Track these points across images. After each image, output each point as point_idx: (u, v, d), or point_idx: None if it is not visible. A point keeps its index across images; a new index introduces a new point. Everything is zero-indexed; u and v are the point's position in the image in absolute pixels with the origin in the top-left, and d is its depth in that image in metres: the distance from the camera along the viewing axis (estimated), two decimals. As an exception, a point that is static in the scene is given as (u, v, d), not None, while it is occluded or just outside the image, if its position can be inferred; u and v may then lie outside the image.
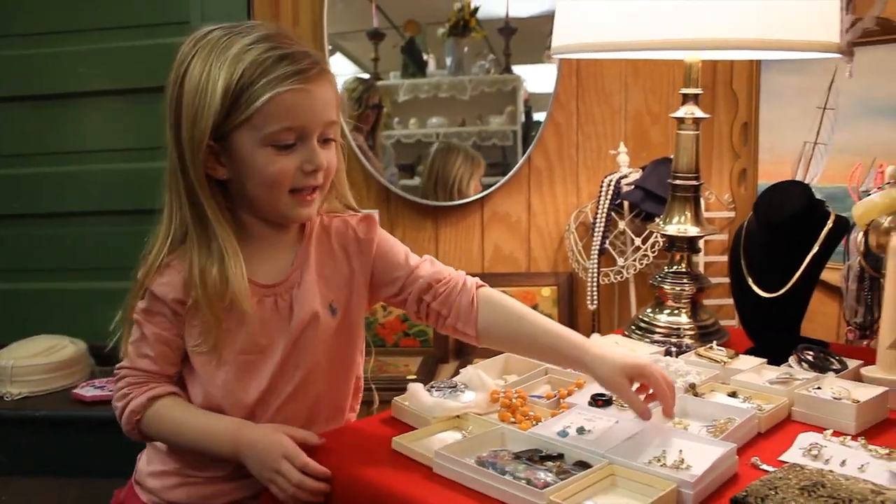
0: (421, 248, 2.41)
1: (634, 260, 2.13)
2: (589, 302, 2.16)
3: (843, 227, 1.54)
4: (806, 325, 2.09)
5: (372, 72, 2.44)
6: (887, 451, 1.12)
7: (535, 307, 2.39)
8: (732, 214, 2.26)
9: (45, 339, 2.37)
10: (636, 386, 1.17)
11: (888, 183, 1.41)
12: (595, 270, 2.13)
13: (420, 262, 1.33)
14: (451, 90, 2.42)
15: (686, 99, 1.64)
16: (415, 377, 2.18)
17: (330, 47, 2.41)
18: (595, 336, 1.66)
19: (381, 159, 2.45)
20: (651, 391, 1.18)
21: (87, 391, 2.23)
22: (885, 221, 1.39)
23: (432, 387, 1.33)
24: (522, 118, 2.40)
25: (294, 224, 1.29)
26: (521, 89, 2.40)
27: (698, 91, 1.64)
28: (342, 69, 2.47)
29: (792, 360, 1.47)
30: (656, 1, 1.43)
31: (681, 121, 1.65)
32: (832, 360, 1.45)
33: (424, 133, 2.45)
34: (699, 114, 1.64)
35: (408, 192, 2.44)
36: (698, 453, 1.07)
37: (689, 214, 1.69)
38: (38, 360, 2.27)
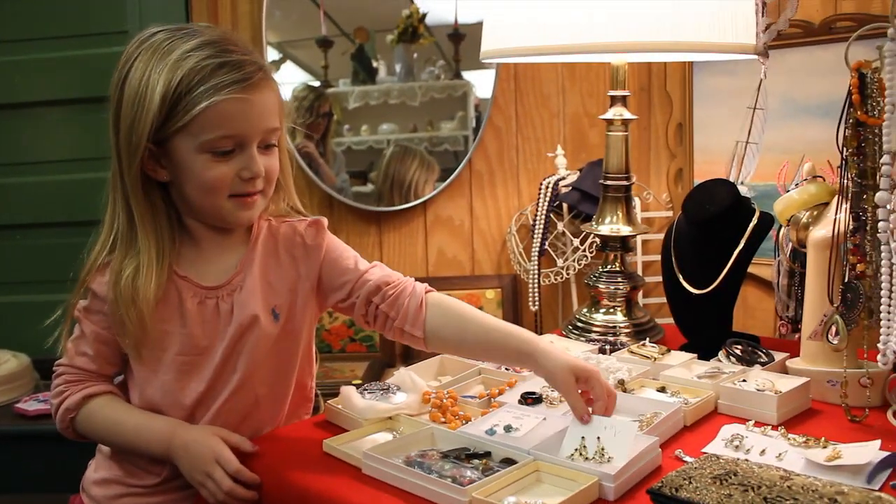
0: (365, 253, 2.36)
1: (574, 260, 2.15)
2: (531, 303, 2.18)
3: (768, 223, 1.58)
4: (745, 320, 2.15)
5: (322, 79, 2.44)
6: (804, 439, 1.15)
7: (480, 309, 2.41)
8: (670, 213, 2.30)
9: (-16, 353, 2.33)
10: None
11: (805, 179, 1.45)
12: (536, 272, 2.16)
13: (369, 267, 1.33)
14: (402, 96, 2.42)
15: (614, 101, 1.67)
16: (360, 382, 2.18)
17: (280, 55, 2.41)
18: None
19: (332, 166, 2.45)
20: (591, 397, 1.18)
21: (31, 405, 2.19)
22: (804, 216, 1.42)
23: (365, 389, 1.34)
24: (473, 123, 2.41)
25: (237, 227, 1.29)
26: (472, 94, 2.41)
27: (626, 93, 1.67)
28: (292, 77, 2.46)
29: (721, 354, 1.50)
30: (579, 6, 1.45)
31: (610, 122, 1.68)
32: (760, 353, 1.49)
33: (376, 140, 2.45)
34: (627, 115, 1.67)
35: (360, 199, 2.44)
36: (619, 443, 1.09)
37: (620, 214, 1.72)
38: (-21, 376, 2.24)
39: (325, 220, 1.35)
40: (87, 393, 1.27)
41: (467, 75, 2.42)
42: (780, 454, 1.11)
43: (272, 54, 2.41)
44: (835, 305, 1.27)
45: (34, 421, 2.13)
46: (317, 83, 2.45)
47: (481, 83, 2.40)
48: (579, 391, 1.15)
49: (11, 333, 2.44)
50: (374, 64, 2.44)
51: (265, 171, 1.22)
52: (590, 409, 1.14)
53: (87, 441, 1.31)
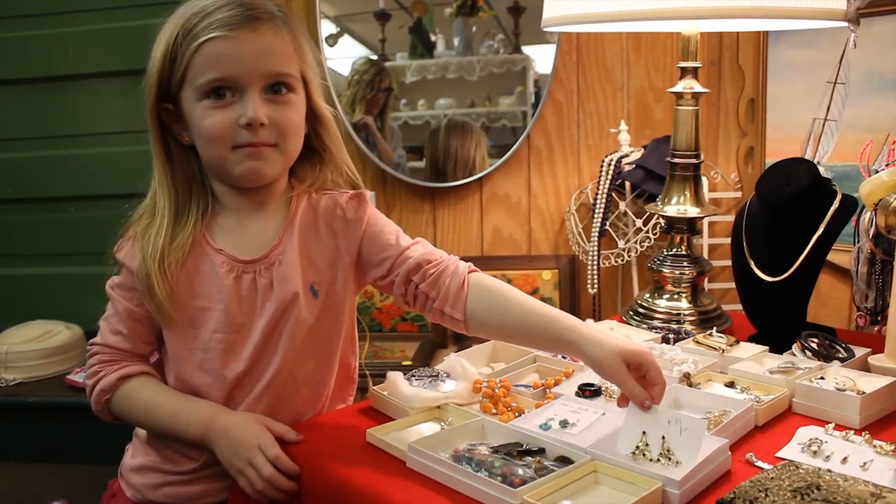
0: (418, 231, 2.34)
1: (636, 242, 2.05)
2: (589, 286, 2.09)
3: (851, 206, 1.46)
4: (817, 310, 2.03)
5: (379, 53, 2.40)
6: (893, 446, 1.04)
7: (535, 291, 2.34)
8: (739, 195, 2.18)
9: (39, 324, 2.34)
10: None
11: (897, 159, 1.33)
12: (595, 253, 2.06)
13: (412, 243, 1.25)
14: (460, 71, 2.37)
15: (684, 73, 1.56)
16: (410, 363, 2.13)
17: (337, 29, 2.37)
18: (589, 321, 1.59)
19: (389, 142, 2.40)
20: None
21: (81, 377, 2.18)
22: (894, 200, 1.30)
23: (412, 376, 1.27)
24: (532, 99, 2.33)
25: (250, 184, 1.20)
26: (531, 69, 2.34)
27: (697, 64, 1.56)
28: (350, 51, 2.43)
29: (795, 347, 1.40)
30: (651, -33, 1.35)
31: (679, 96, 1.57)
32: (838, 347, 1.38)
33: (433, 114, 2.40)
34: (698, 88, 1.56)
35: (415, 174, 2.39)
36: (690, 448, 1.01)
37: (688, 194, 1.61)
38: (33, 346, 2.25)
39: (367, 193, 1.28)
40: (122, 374, 1.22)
41: (527, 50, 2.35)
42: (864, 463, 1.01)
43: (328, 28, 2.37)
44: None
45: (85, 393, 2.13)
46: (375, 57, 2.39)
47: (541, 58, 2.33)
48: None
49: (65, 305, 2.45)
50: (433, 37, 2.40)
51: (273, 120, 1.14)
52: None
53: (123, 423, 1.26)
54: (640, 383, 1.05)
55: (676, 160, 1.61)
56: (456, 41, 2.37)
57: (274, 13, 1.16)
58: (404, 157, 2.41)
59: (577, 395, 1.22)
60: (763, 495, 0.85)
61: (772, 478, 0.89)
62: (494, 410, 1.19)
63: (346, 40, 2.41)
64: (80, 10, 2.49)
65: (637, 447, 1.02)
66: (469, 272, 1.22)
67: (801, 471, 0.90)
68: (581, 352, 1.09)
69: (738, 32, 2.13)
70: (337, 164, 1.27)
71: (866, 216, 1.50)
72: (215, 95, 1.13)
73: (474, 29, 2.36)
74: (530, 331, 1.16)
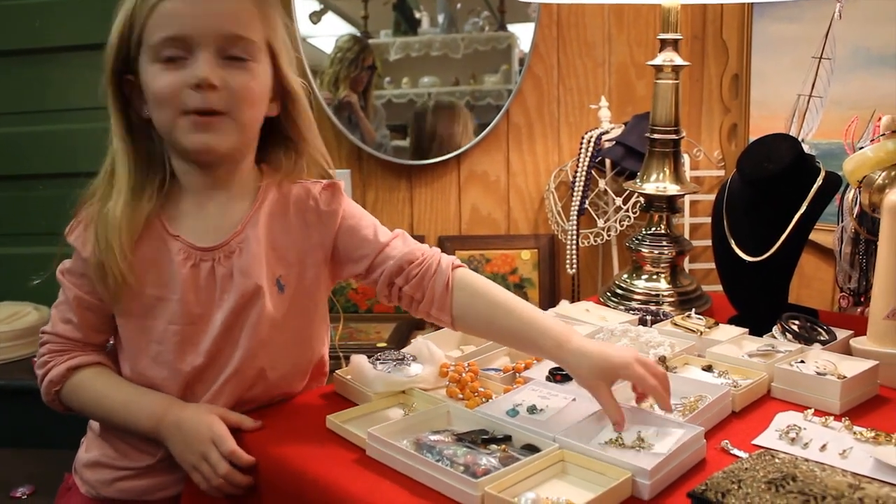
0: (394, 209, 2.29)
1: (615, 221, 2.00)
2: (568, 266, 2.04)
3: (835, 184, 1.42)
4: (800, 291, 1.99)
5: (362, 30, 2.35)
6: (873, 433, 1.00)
7: (514, 271, 2.29)
8: (722, 173, 2.13)
9: (7, 305, 2.31)
10: (622, 384, 1.06)
11: (882, 135, 1.28)
12: (574, 232, 2.01)
13: (391, 238, 1.19)
14: (444, 48, 2.33)
15: (664, 45, 1.52)
16: (385, 345, 2.08)
17: (321, 6, 2.32)
18: (563, 303, 1.55)
19: (373, 121, 2.35)
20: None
21: (48, 360, 2.14)
22: (879, 178, 1.26)
23: (377, 359, 1.22)
24: (518, 77, 2.29)
25: (198, 157, 1.14)
26: (516, 47, 2.30)
27: (678, 36, 1.51)
28: (334, 28, 2.38)
29: (776, 330, 1.36)
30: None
31: (659, 69, 1.52)
32: (820, 329, 1.34)
33: (416, 93, 2.35)
34: (678, 61, 1.51)
35: (398, 153, 2.34)
36: (663, 435, 0.97)
37: (667, 171, 1.57)
38: (1, 328, 2.21)
39: (341, 184, 1.21)
40: (71, 364, 1.16)
41: (512, 28, 2.31)
42: (844, 451, 0.97)
43: (312, 4, 2.32)
44: (915, 280, 1.11)
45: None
46: (359, 34, 2.35)
47: (526, 36, 2.29)
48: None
49: (34, 286, 2.38)
50: (417, 14, 2.35)
51: (226, 84, 1.08)
52: (637, 407, 1.03)
53: (75, 414, 1.20)
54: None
55: (655, 136, 1.56)
56: (440, 18, 2.33)
57: None
58: (388, 137, 2.36)
59: (548, 379, 1.18)
60: (736, 487, 0.80)
61: (746, 468, 0.84)
62: (461, 395, 1.15)
63: (329, 17, 2.36)
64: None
65: (611, 439, 0.98)
66: (453, 269, 1.16)
67: (776, 460, 0.86)
68: (564, 363, 1.07)
69: (721, 5, 2.07)
70: (311, 153, 1.21)
71: (850, 195, 1.46)
72: (168, 57, 1.08)
73: (459, 6, 2.31)
74: (516, 337, 1.13)
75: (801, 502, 0.76)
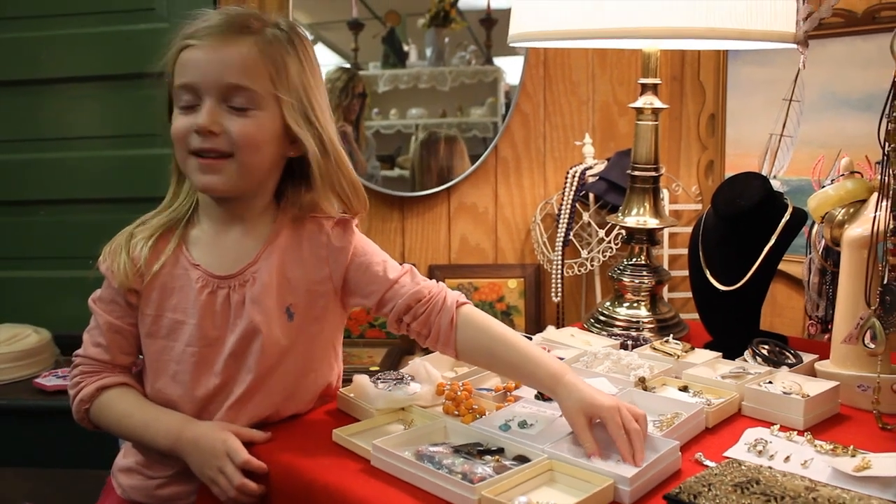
0: (387, 239, 2.38)
1: (598, 252, 2.10)
2: (553, 294, 2.14)
3: (801, 219, 1.53)
4: (773, 319, 2.09)
5: (352, 62, 2.41)
6: (832, 446, 1.10)
7: (501, 299, 2.38)
8: (700, 206, 2.24)
9: (7, 328, 2.32)
10: None
11: (841, 175, 1.39)
12: (559, 262, 2.11)
13: (399, 275, 1.26)
14: (432, 81, 2.38)
15: (644, 89, 1.62)
16: (377, 369, 2.16)
17: (311, 37, 2.37)
18: (550, 329, 1.64)
19: (364, 152, 2.41)
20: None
21: (49, 381, 2.18)
22: (839, 214, 1.36)
23: (378, 378, 1.31)
24: (503, 110, 2.36)
25: (206, 192, 1.23)
26: (502, 81, 2.36)
27: (657, 81, 1.62)
28: (323, 59, 2.40)
29: (747, 354, 1.45)
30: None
31: (640, 111, 1.63)
32: (788, 354, 1.44)
33: (404, 124, 2.40)
34: (658, 104, 1.62)
35: (387, 184, 2.41)
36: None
37: (647, 206, 1.67)
38: (1, 350, 2.23)
39: (353, 220, 1.28)
40: (100, 384, 1.25)
41: (498, 61, 2.38)
42: (805, 461, 1.06)
43: (303, 37, 2.38)
44: (872, 308, 1.22)
45: (53, 396, 2.13)
46: (348, 65, 2.42)
47: (512, 70, 2.35)
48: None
49: (33, 309, 2.44)
50: (405, 47, 2.40)
51: (227, 131, 1.15)
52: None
53: (104, 432, 1.29)
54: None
55: (636, 173, 1.66)
56: (428, 51, 2.38)
57: (258, 30, 1.18)
58: (378, 168, 2.41)
59: (537, 397, 1.27)
60: (706, 489, 0.90)
61: (716, 474, 0.94)
62: (457, 412, 1.23)
63: (319, 49, 2.41)
64: (51, 15, 2.48)
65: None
66: (457, 307, 1.23)
67: (743, 468, 0.96)
68: (555, 394, 1.14)
69: (699, 51, 2.19)
70: (327, 191, 1.25)
71: (815, 229, 1.57)
72: (184, 101, 1.17)
73: (447, 40, 2.37)
74: (515, 369, 1.22)
75: (763, 502, 0.85)
